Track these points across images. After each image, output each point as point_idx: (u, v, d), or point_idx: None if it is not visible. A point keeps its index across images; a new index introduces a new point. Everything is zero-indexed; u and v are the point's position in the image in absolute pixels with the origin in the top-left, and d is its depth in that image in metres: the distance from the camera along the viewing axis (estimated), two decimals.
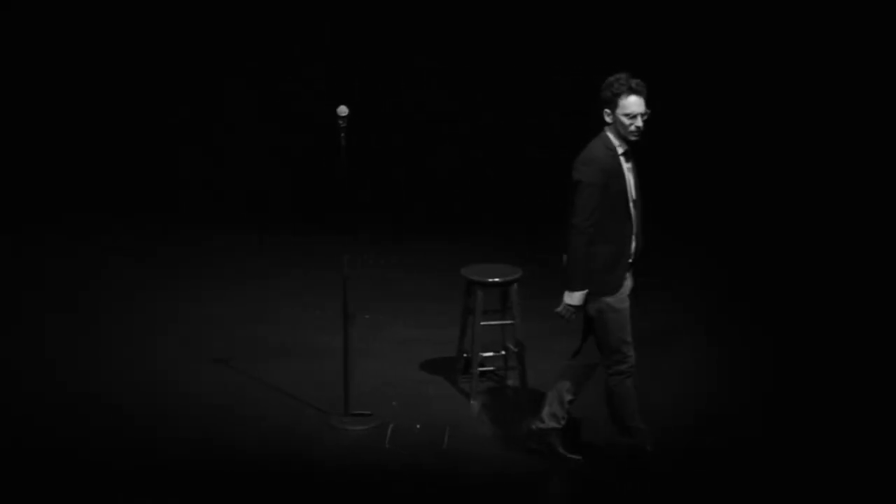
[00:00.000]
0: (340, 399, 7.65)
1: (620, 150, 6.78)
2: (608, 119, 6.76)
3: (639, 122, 6.71)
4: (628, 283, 6.96)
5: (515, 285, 7.95)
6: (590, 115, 6.99)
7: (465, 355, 8.17)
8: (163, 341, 8.77)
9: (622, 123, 6.71)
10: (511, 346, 8.09)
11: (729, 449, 7.31)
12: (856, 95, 10.94)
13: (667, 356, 8.47)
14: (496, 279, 7.92)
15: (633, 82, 6.70)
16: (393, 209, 11.66)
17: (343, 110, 7.31)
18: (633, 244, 6.88)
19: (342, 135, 7.33)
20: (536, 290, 8.85)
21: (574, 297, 6.83)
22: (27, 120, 11.92)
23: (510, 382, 8.20)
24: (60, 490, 6.80)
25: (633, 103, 6.68)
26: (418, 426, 7.58)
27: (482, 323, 7.93)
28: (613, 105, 6.71)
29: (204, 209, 11.74)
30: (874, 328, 8.90)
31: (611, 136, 6.78)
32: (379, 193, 11.62)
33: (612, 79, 6.72)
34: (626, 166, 6.82)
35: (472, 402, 7.92)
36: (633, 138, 6.76)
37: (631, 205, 6.82)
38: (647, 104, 6.73)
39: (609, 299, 6.85)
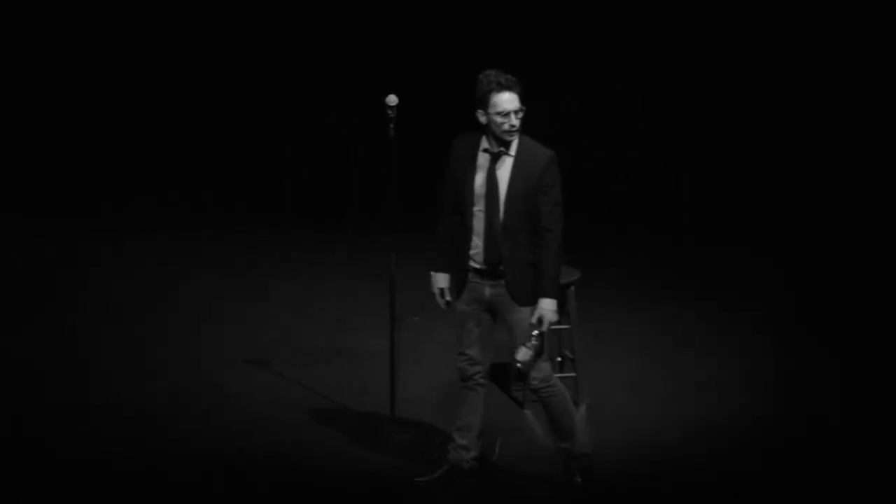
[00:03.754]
0: (386, 405, 7.57)
1: (493, 150, 6.48)
2: (482, 120, 6.47)
3: (513, 120, 6.42)
4: (479, 289, 6.64)
5: (573, 288, 7.75)
6: None
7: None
8: (196, 342, 8.81)
9: (495, 122, 6.43)
10: (567, 353, 7.93)
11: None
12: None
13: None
14: None
15: (504, 78, 6.43)
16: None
17: (392, 100, 7.18)
18: (480, 249, 6.57)
19: (391, 125, 7.21)
20: (595, 293, 8.83)
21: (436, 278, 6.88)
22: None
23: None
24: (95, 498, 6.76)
25: (504, 100, 6.40)
26: None
27: None
28: (486, 104, 6.44)
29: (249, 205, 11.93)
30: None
31: (484, 136, 6.52)
32: (427, 189, 11.39)
33: (481, 76, 6.46)
34: (487, 166, 6.50)
35: (525, 410, 7.78)
36: (508, 138, 6.46)
37: (474, 206, 6.53)
38: (522, 101, 6.43)
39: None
